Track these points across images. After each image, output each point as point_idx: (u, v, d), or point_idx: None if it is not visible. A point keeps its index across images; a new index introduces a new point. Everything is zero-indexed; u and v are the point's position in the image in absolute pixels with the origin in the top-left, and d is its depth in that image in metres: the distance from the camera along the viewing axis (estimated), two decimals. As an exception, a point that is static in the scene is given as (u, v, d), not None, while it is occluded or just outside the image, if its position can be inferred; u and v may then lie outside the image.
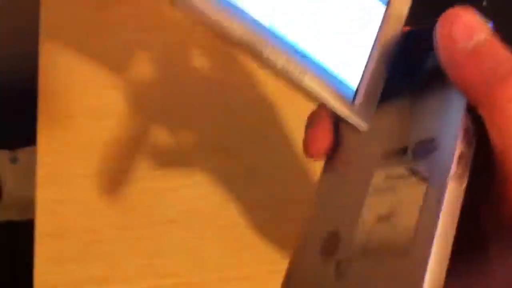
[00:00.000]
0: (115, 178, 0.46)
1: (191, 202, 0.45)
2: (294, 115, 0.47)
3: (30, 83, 0.49)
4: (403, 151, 0.23)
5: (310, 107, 0.26)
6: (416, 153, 0.23)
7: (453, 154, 0.21)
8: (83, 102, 0.48)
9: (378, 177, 0.24)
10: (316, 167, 0.27)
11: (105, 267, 0.42)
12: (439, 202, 0.21)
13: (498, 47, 0.22)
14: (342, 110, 0.24)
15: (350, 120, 0.24)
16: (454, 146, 0.22)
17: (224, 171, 0.46)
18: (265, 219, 0.45)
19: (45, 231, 0.43)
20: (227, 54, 0.50)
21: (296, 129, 0.47)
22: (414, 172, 0.23)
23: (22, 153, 0.74)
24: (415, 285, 0.20)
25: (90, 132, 0.47)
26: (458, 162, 0.21)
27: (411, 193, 0.22)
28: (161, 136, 0.47)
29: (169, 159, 0.47)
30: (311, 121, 0.26)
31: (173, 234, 0.44)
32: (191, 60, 0.51)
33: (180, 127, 0.48)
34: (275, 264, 0.42)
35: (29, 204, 0.45)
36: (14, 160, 0.74)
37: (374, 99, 0.25)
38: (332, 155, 0.26)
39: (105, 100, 0.48)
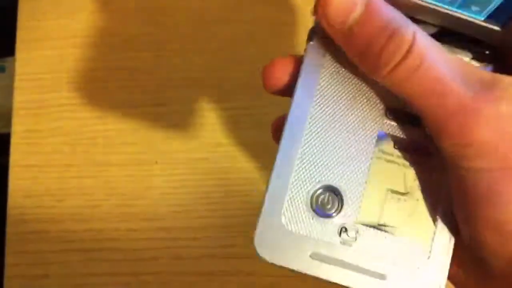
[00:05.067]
0: (97, 113, 0.43)
1: (174, 144, 0.43)
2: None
3: None
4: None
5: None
6: None
7: None
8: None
9: (386, 143, 0.22)
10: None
11: (83, 205, 0.41)
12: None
13: (376, 21, 0.19)
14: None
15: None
16: None
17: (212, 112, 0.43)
18: (250, 166, 0.42)
19: (20, 164, 0.41)
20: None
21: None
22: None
23: (10, 62, 0.71)
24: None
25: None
26: None
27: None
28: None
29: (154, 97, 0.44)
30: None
31: (155, 176, 0.42)
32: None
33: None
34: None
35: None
36: (1, 69, 0.71)
37: None
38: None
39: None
